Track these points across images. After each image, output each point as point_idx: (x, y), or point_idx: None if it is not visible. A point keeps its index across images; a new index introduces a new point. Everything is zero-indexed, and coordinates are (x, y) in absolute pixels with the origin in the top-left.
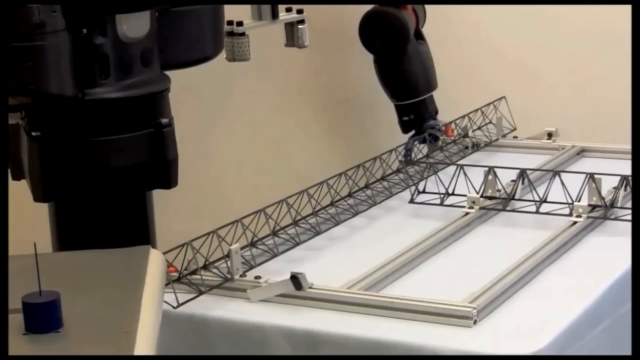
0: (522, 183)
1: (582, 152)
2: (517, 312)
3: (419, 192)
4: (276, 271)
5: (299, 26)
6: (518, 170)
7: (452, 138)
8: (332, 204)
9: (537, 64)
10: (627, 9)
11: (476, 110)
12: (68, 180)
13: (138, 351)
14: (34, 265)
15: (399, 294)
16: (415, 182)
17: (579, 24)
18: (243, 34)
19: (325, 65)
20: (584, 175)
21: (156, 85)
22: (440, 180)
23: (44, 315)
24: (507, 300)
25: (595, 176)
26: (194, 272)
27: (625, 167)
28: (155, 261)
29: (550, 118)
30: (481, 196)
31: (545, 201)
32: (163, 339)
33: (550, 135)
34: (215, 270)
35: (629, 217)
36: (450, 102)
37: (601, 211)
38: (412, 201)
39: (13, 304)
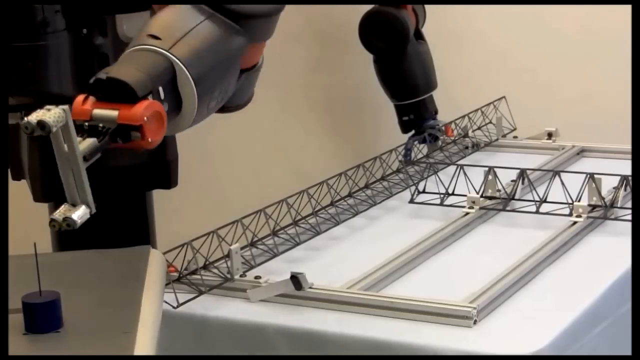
0: (522, 183)
1: (582, 152)
2: (517, 312)
3: (419, 192)
4: (276, 271)
5: None
6: (518, 170)
7: (452, 138)
8: (332, 204)
9: (537, 63)
10: (627, 9)
11: (476, 110)
12: None
13: (138, 351)
14: (34, 265)
15: (399, 294)
16: (415, 182)
17: (579, 23)
18: None
19: (325, 65)
20: (584, 175)
21: None
22: (440, 180)
23: (44, 315)
24: (507, 300)
25: (595, 176)
26: (194, 272)
27: (625, 167)
28: (155, 261)
29: (550, 118)
30: (481, 196)
31: (545, 201)
32: (163, 339)
33: (550, 135)
34: (215, 270)
35: (629, 217)
36: (450, 102)
37: (601, 211)
38: (412, 201)
39: (13, 304)
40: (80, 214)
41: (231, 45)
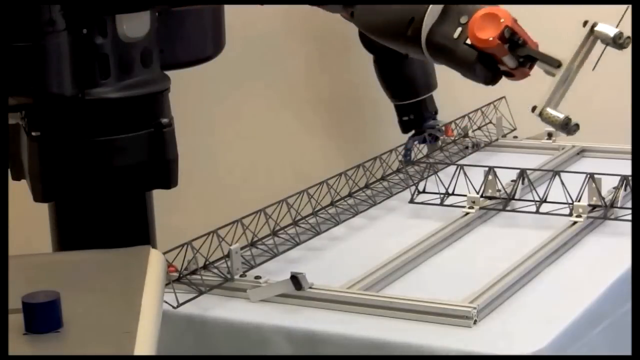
0: (522, 183)
1: (582, 152)
2: (517, 312)
3: (419, 192)
4: (276, 271)
5: None
6: (518, 170)
7: (452, 138)
8: (332, 204)
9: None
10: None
11: (476, 110)
12: (68, 180)
13: (138, 351)
14: (34, 265)
15: (399, 294)
16: (415, 182)
17: (578, 23)
18: None
19: (325, 65)
20: (584, 175)
21: (156, 85)
22: (440, 180)
23: (44, 315)
24: (507, 300)
25: (595, 176)
26: (194, 272)
27: (625, 167)
28: (155, 261)
29: None
30: (481, 196)
31: (545, 201)
32: (163, 339)
33: (550, 135)
34: (215, 270)
35: (629, 217)
36: (450, 102)
37: (601, 211)
38: (412, 201)
39: (13, 304)
40: None
41: None
